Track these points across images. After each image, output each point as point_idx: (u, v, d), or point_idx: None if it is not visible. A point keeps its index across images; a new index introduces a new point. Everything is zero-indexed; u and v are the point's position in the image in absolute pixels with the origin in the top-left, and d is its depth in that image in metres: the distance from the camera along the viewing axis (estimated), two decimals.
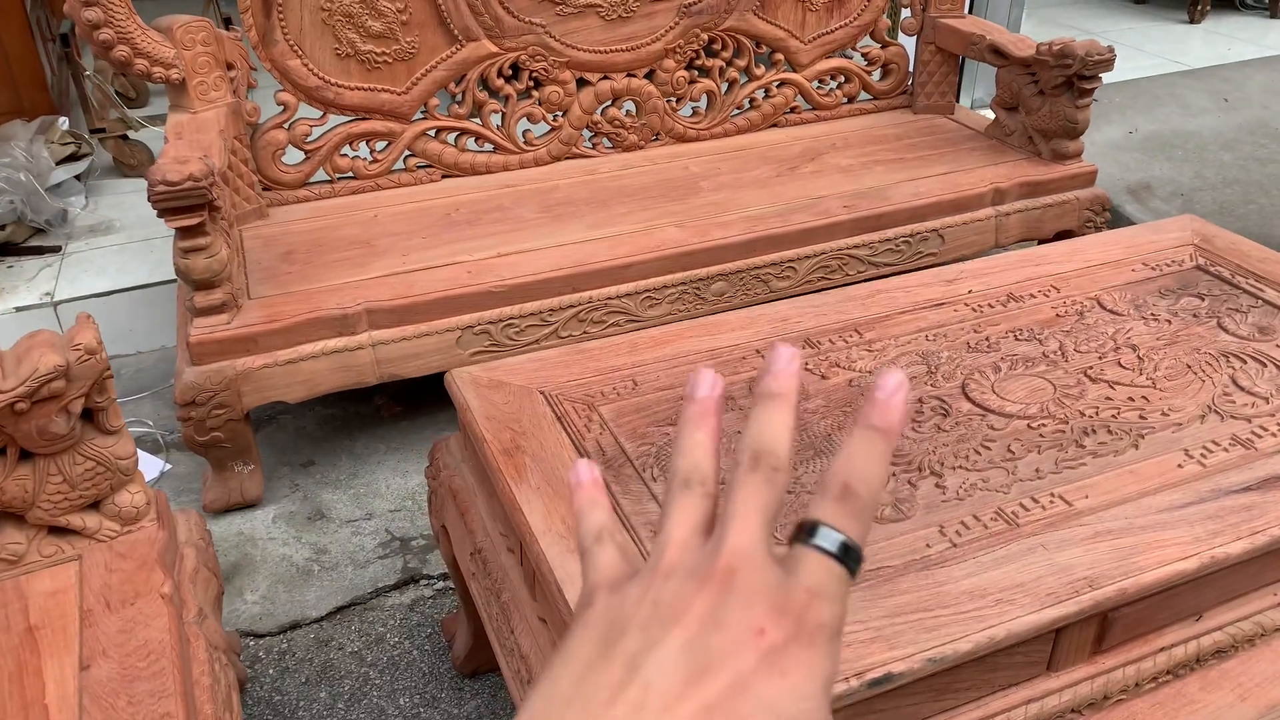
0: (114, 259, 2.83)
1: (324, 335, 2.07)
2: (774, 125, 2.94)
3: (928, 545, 1.21)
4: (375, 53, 2.45)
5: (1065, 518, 1.25)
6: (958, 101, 3.13)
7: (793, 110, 2.96)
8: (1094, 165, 2.71)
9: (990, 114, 2.92)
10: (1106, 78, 4.12)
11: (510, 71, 2.60)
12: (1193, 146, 3.68)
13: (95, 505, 1.44)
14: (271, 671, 1.83)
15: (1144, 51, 4.60)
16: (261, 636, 1.90)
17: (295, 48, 2.37)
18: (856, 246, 2.46)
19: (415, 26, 2.46)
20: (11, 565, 1.40)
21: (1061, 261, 1.87)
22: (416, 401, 2.51)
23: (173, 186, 1.83)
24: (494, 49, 2.55)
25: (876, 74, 3.04)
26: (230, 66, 2.31)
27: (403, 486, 2.26)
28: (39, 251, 2.85)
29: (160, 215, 1.88)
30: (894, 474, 1.33)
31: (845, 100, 3.02)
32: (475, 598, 1.47)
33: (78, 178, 3.09)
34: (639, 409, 1.46)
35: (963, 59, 3.09)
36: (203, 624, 1.45)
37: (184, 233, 1.90)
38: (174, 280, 2.55)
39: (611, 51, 2.66)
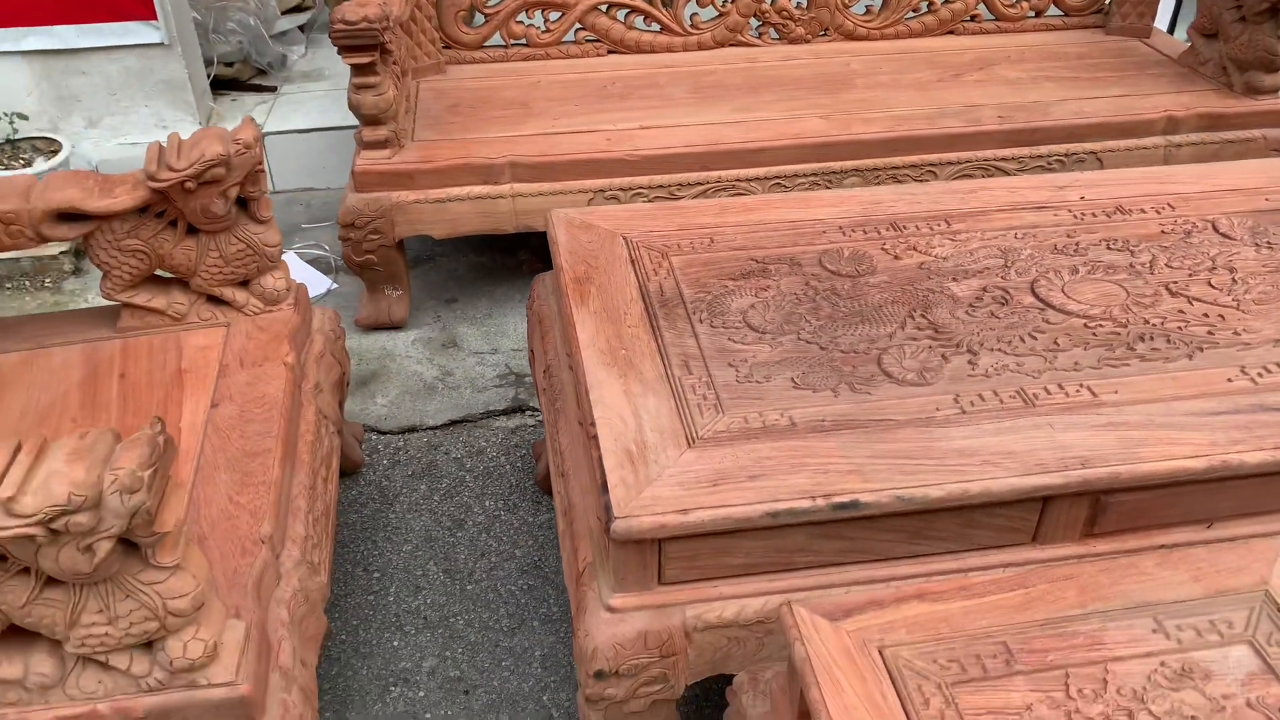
0: (319, 103, 3.15)
1: (471, 181, 2.27)
2: (950, 32, 2.88)
3: (937, 409, 1.28)
4: None
5: (1084, 406, 1.28)
6: (1167, 29, 2.93)
7: (973, 18, 2.88)
8: None
9: (1188, 41, 2.74)
10: None
11: None
12: None
13: (245, 285, 1.72)
14: (385, 462, 2.10)
15: None
16: (383, 433, 2.17)
17: None
18: (1004, 159, 2.41)
19: None
20: (175, 321, 1.70)
21: (1189, 183, 1.80)
22: None
23: (350, 25, 2.05)
24: None
25: None
26: None
27: None
28: (258, 89, 3.21)
29: (338, 51, 2.11)
30: (929, 346, 1.39)
31: (1032, 14, 2.90)
32: (543, 410, 1.65)
33: (300, 28, 3.43)
34: (707, 262, 1.57)
35: None
36: (317, 395, 1.71)
37: (357, 70, 2.13)
38: None
39: None
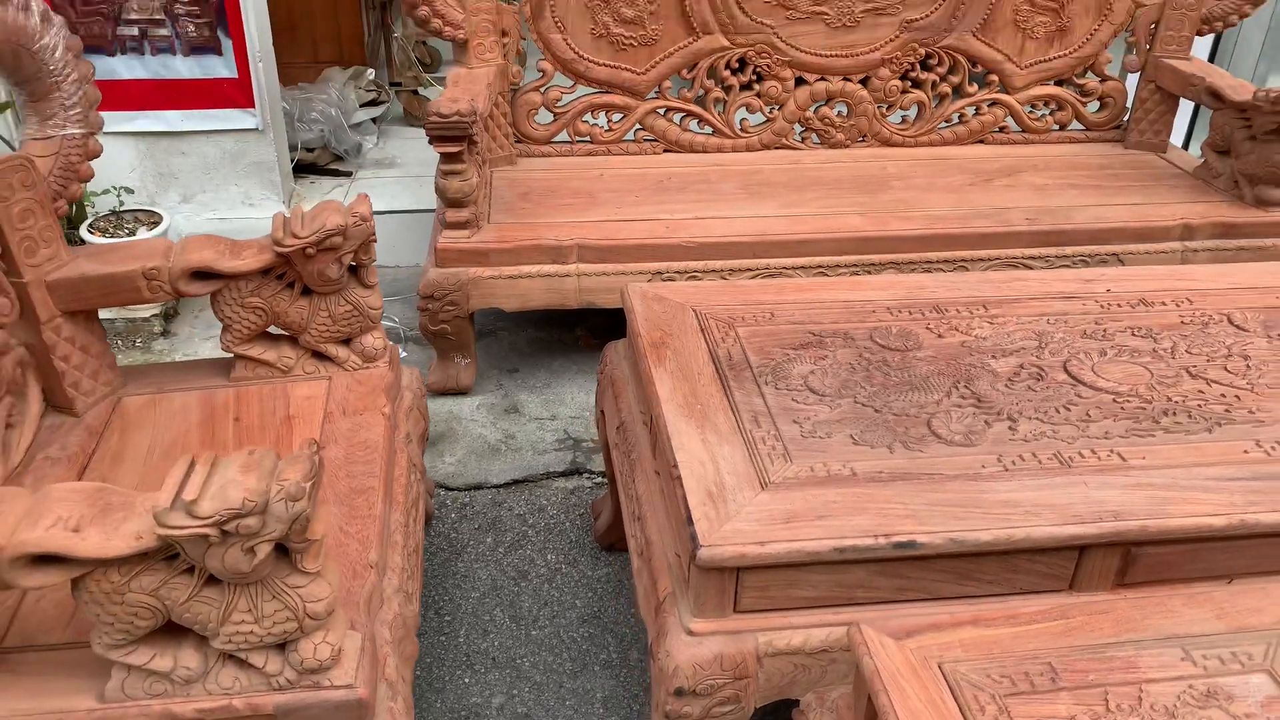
0: (390, 188, 3.39)
1: (540, 260, 2.48)
2: (980, 141, 3.11)
3: (983, 466, 1.43)
4: (624, 36, 2.84)
5: (1115, 469, 1.43)
6: (1182, 145, 3.16)
7: (1001, 129, 3.11)
8: None
9: (1201, 156, 2.95)
10: None
11: (737, 65, 2.93)
12: None
13: (347, 342, 1.91)
14: (453, 516, 2.24)
15: None
16: (451, 489, 2.32)
17: (559, 24, 2.80)
18: (1031, 258, 2.60)
19: (661, 17, 2.83)
20: (283, 374, 1.88)
21: (1206, 280, 1.97)
22: (609, 338, 2.87)
23: (444, 118, 2.28)
24: (726, 43, 2.89)
25: (1093, 105, 3.13)
26: (505, 34, 2.77)
27: (585, 401, 2.63)
28: (335, 174, 3.46)
29: (431, 141, 2.34)
30: (973, 413, 1.54)
31: (1056, 127, 3.14)
32: (614, 464, 1.80)
33: (374, 120, 3.71)
34: (770, 334, 1.75)
35: (1183, 102, 3.11)
36: (408, 445, 1.87)
37: (446, 158, 2.36)
38: (433, 210, 3.06)
39: (832, 56, 2.93)
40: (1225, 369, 1.68)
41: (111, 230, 2.76)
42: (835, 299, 1.87)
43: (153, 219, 2.86)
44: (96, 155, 1.79)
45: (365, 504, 1.59)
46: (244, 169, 3.09)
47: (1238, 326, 1.81)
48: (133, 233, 2.76)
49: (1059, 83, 3.09)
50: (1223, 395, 1.61)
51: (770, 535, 1.28)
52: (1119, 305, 1.88)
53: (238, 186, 3.11)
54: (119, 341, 2.78)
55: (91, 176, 1.79)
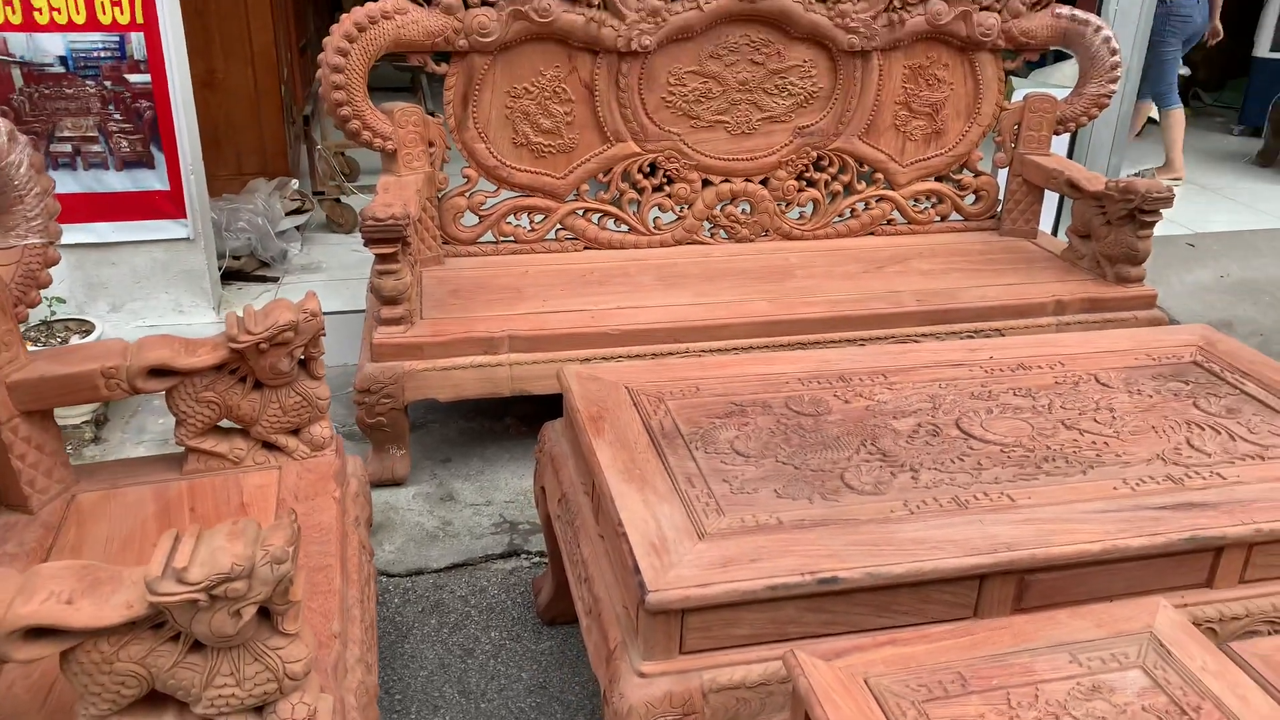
0: (318, 291, 3.49)
1: (473, 352, 2.62)
2: (871, 233, 3.40)
3: (892, 511, 1.61)
4: (543, 144, 3.06)
5: (1006, 508, 1.62)
6: (1050, 231, 3.50)
7: (889, 222, 3.41)
8: (1154, 289, 3.03)
9: (1067, 241, 3.29)
10: (1208, 227, 4.42)
11: (648, 168, 3.18)
12: None
13: (296, 432, 2.00)
14: (396, 600, 2.31)
15: (1255, 209, 4.83)
16: (393, 576, 2.39)
17: (482, 134, 3.01)
18: (922, 335, 2.86)
19: (577, 127, 3.07)
20: (234, 465, 1.96)
21: (1075, 346, 2.23)
22: (538, 424, 3.00)
23: (379, 222, 2.44)
24: (637, 149, 3.13)
25: (969, 198, 3.47)
26: (431, 144, 2.96)
27: (518, 486, 2.74)
28: (262, 280, 3.56)
29: (367, 244, 2.49)
30: (880, 466, 1.73)
31: (938, 218, 3.46)
32: (557, 535, 1.93)
33: (298, 228, 3.83)
34: (696, 405, 1.92)
35: (1048, 192, 3.47)
36: (357, 527, 1.96)
37: (381, 258, 2.50)
38: (360, 311, 3.19)
39: (734, 160, 3.20)
40: (1095, 420, 1.91)
41: (44, 339, 2.80)
42: (753, 373, 2.06)
43: (84, 327, 2.91)
44: (55, 263, 1.88)
45: (325, 580, 1.68)
46: (174, 277, 3.17)
47: (1103, 384, 2.06)
48: (65, 341, 2.81)
49: (939, 179, 3.42)
50: (1093, 443, 1.83)
51: (710, 578, 1.42)
52: (1001, 370, 2.11)
53: (168, 294, 3.18)
54: None
55: (50, 283, 1.88)
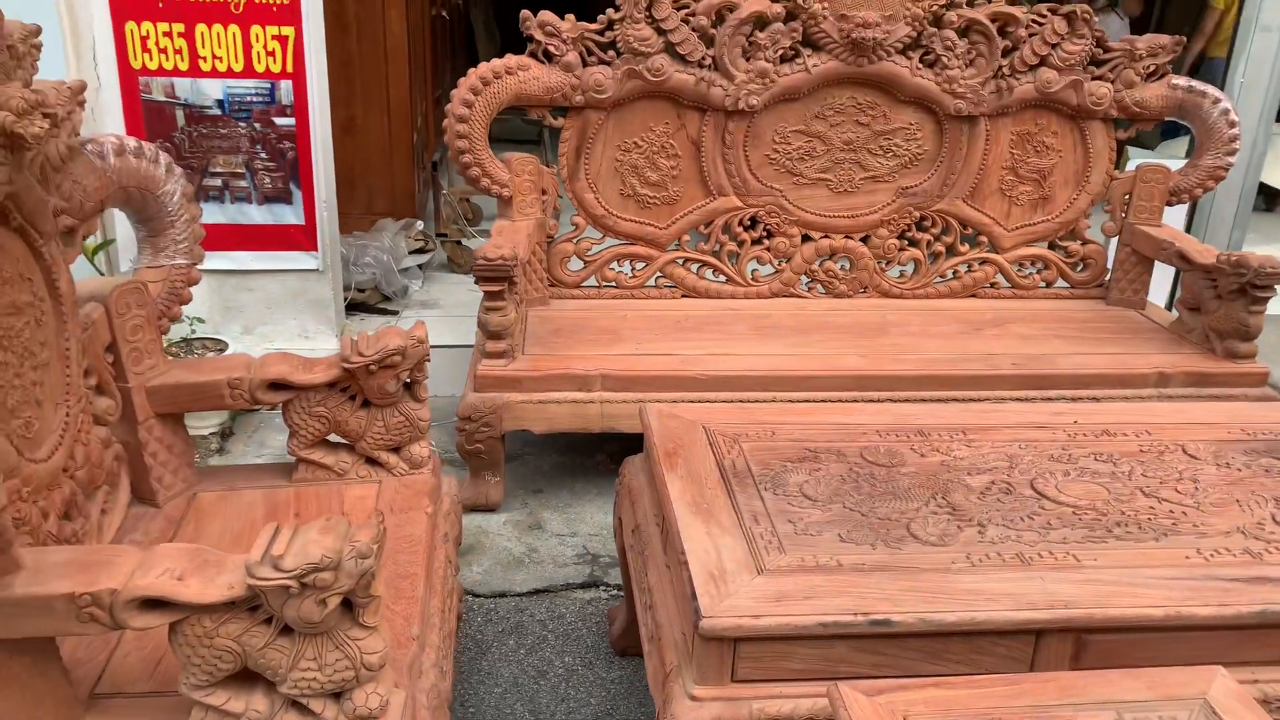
0: (433, 325, 3.67)
1: (568, 388, 2.74)
2: (972, 295, 3.40)
3: (952, 562, 1.63)
4: (649, 196, 3.20)
5: (1070, 567, 1.63)
6: (1166, 305, 3.42)
7: (992, 285, 3.41)
8: (1266, 367, 2.94)
9: (1177, 314, 3.22)
10: None
11: (749, 222, 3.27)
12: None
13: (397, 450, 2.15)
14: (479, 619, 2.43)
15: None
16: (478, 596, 2.51)
17: (592, 185, 3.17)
18: (1016, 399, 2.84)
19: (682, 180, 3.20)
20: (339, 477, 2.12)
21: (1166, 416, 2.20)
22: None
23: (489, 262, 2.60)
24: (739, 204, 3.24)
25: (1076, 265, 3.43)
26: (544, 192, 3.13)
27: (603, 521, 2.84)
28: (383, 312, 3.79)
29: (477, 281, 2.65)
30: (948, 519, 1.75)
31: (1043, 284, 3.43)
32: (629, 564, 2.01)
33: (420, 266, 4.07)
34: (770, 449, 1.98)
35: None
36: (445, 543, 2.09)
37: (489, 295, 2.66)
38: (470, 346, 3.36)
39: (834, 217, 3.27)
40: (1176, 490, 1.89)
41: (182, 354, 3.06)
42: (830, 421, 2.11)
43: (219, 346, 3.17)
44: (197, 282, 2.10)
45: (409, 587, 1.80)
46: (302, 305, 3.42)
47: (1190, 455, 2.03)
48: (201, 356, 3.06)
49: (1046, 245, 3.40)
50: (1170, 511, 1.81)
51: (763, 610, 1.48)
52: (1085, 435, 2.10)
53: (295, 320, 3.43)
54: None
55: (190, 300, 2.09)
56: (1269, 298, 2.87)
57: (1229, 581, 1.61)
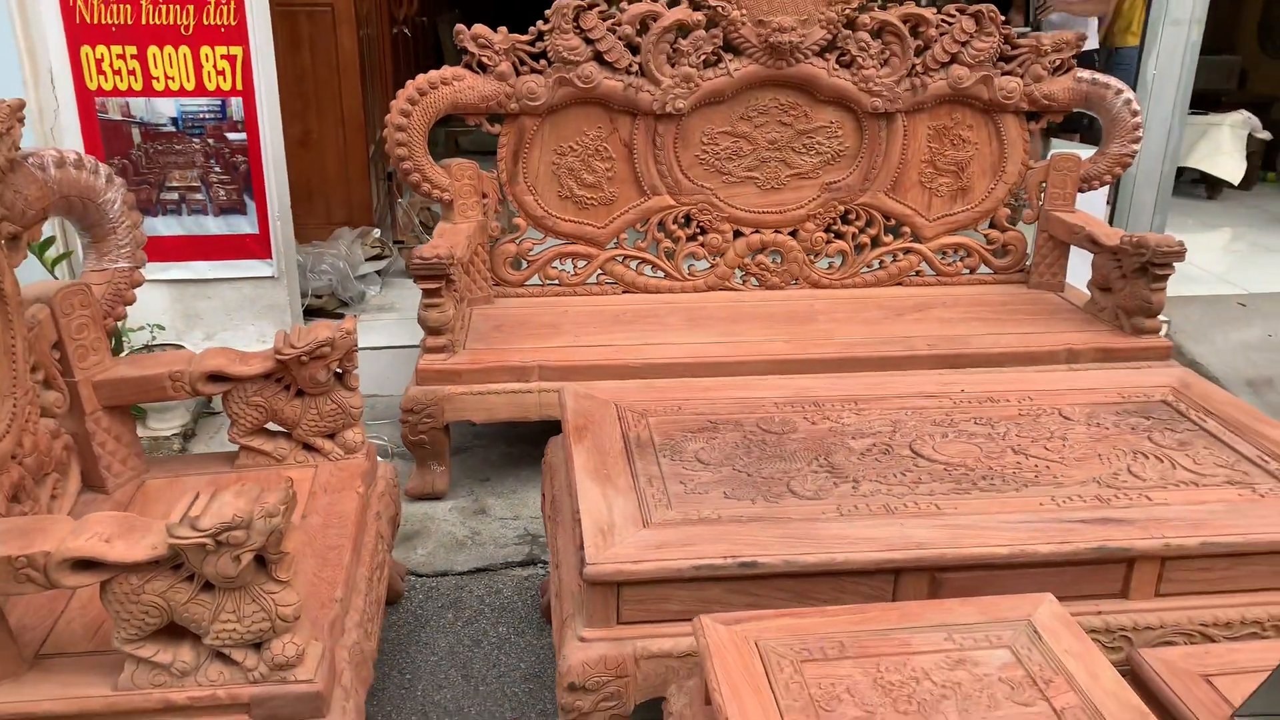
0: (389, 328, 3.86)
1: (506, 379, 2.89)
2: (899, 284, 3.56)
3: (823, 513, 1.79)
4: (586, 197, 3.36)
5: (931, 515, 1.79)
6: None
7: (917, 273, 3.57)
8: (1169, 341, 3.11)
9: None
10: (1257, 285, 4.41)
11: (683, 219, 3.43)
12: None
13: (332, 436, 2.30)
14: (420, 596, 2.57)
15: None
16: (420, 576, 2.66)
17: (531, 188, 3.33)
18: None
19: (617, 182, 3.36)
20: (278, 462, 2.27)
21: (1048, 383, 2.37)
22: None
23: (425, 260, 2.76)
24: (672, 203, 3.40)
25: (997, 252, 3.60)
26: (484, 195, 3.29)
27: None
28: (339, 317, 3.94)
29: (415, 280, 2.81)
30: (826, 477, 1.91)
31: (966, 271, 3.60)
32: (546, 530, 2.16)
33: (378, 273, 4.22)
34: (675, 422, 2.14)
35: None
36: (378, 520, 2.24)
37: (427, 293, 2.82)
38: None
39: (763, 213, 3.44)
40: (1045, 447, 2.05)
41: None
42: (734, 396, 2.27)
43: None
44: (139, 285, 2.25)
45: (336, 557, 1.95)
46: (260, 311, 3.57)
47: (1065, 417, 2.19)
48: (145, 354, 3.21)
49: (966, 232, 3.57)
50: (1035, 466, 1.97)
51: (644, 556, 1.64)
52: (969, 401, 2.26)
53: (254, 326, 3.58)
54: None
55: (134, 301, 2.24)
56: (1168, 275, 3.04)
57: (1074, 523, 1.77)
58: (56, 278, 2.94)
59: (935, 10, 3.29)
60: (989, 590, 1.71)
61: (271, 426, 2.27)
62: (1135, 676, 1.60)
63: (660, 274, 3.48)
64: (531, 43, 3.16)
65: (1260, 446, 2.06)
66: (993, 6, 3.31)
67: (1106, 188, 4.05)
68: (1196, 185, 6.35)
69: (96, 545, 1.50)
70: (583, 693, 1.64)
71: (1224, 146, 5.95)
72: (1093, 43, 5.00)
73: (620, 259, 3.45)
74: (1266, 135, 6.28)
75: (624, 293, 3.47)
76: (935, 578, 1.70)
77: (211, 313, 3.54)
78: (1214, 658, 1.61)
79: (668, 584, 1.65)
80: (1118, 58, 5.18)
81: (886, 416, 2.18)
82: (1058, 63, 3.36)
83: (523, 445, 3.33)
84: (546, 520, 2.21)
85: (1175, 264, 3.02)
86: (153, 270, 3.33)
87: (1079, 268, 3.51)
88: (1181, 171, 6.39)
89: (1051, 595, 1.55)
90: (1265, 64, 7.65)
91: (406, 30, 5.78)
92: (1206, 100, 6.71)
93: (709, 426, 2.12)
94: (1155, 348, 3.09)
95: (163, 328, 3.40)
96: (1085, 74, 3.40)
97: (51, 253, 3.02)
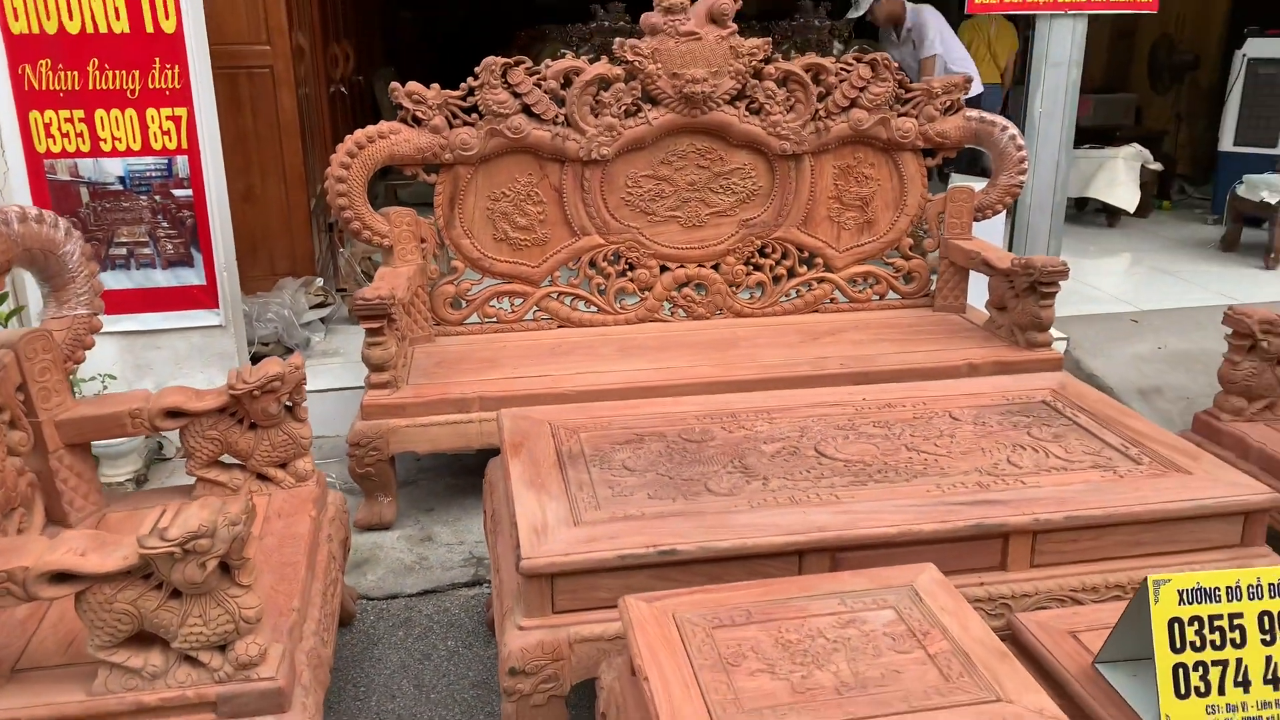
0: (334, 371, 4.01)
1: (448, 411, 3.07)
2: (814, 311, 3.82)
3: (736, 506, 2.00)
4: (520, 239, 3.57)
5: (831, 504, 2.00)
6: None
7: (831, 301, 3.84)
8: (1059, 353, 3.39)
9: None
10: (1149, 303, 4.76)
11: (612, 257, 3.66)
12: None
13: (284, 466, 2.46)
14: (371, 617, 2.71)
15: (1206, 289, 5.15)
16: (371, 599, 2.80)
17: (467, 232, 3.54)
18: None
19: (549, 224, 3.58)
20: (233, 492, 2.42)
21: (940, 391, 2.61)
22: None
23: (367, 301, 2.94)
24: (602, 241, 3.63)
25: (904, 278, 3.88)
26: (422, 240, 3.49)
27: None
28: None
29: (358, 320, 2.98)
30: (740, 477, 2.12)
31: (876, 297, 3.87)
32: (487, 540, 2.33)
33: (322, 320, 4.38)
34: (604, 436, 2.33)
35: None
36: (329, 542, 2.39)
37: (370, 332, 2.99)
38: None
39: (687, 249, 3.68)
40: (935, 444, 2.28)
41: None
42: (660, 412, 2.47)
43: None
44: (98, 330, 2.40)
45: (292, 572, 2.10)
46: (209, 359, 3.70)
47: (954, 418, 2.43)
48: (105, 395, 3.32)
49: (874, 262, 3.85)
50: (925, 459, 2.20)
51: (574, 550, 1.82)
52: (870, 409, 2.50)
53: (203, 374, 3.71)
54: None
55: (93, 345, 2.39)
56: (1054, 292, 3.33)
57: (956, 505, 2.00)
58: None
59: (834, 60, 3.59)
60: (883, 566, 1.93)
61: (226, 459, 2.42)
62: (1014, 637, 1.82)
63: (593, 308, 3.69)
64: (463, 98, 3.38)
65: (1124, 436, 2.32)
66: (887, 55, 3.62)
67: (1006, 217, 4.39)
68: (1098, 214, 6.78)
69: (72, 559, 1.65)
70: (523, 676, 1.81)
71: (1119, 177, 6.37)
72: (977, 87, 5.39)
73: (555, 296, 3.66)
74: (1158, 166, 6.74)
75: (559, 327, 3.67)
76: (834, 557, 1.91)
77: (161, 362, 3.66)
78: (1080, 618, 1.85)
79: (596, 574, 1.84)
80: (987, 93, 5.61)
81: (795, 424, 2.40)
82: (948, 103, 3.67)
83: (466, 477, 3.49)
84: (488, 534, 2.38)
85: (1063, 283, 3.31)
86: (104, 322, 3.46)
87: (981, 290, 3.80)
88: (1085, 202, 6.88)
89: (932, 565, 1.77)
90: (1157, 101, 8.20)
91: (344, 89, 5.99)
92: (1107, 135, 7.20)
93: (635, 439, 2.32)
94: (1048, 359, 3.37)
95: (114, 377, 3.52)
96: (974, 113, 3.71)
97: (5, 307, 3.14)
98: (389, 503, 3.16)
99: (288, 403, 2.41)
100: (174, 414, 2.33)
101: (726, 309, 3.77)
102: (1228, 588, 1.61)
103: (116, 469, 3.38)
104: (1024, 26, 5.90)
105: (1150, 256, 5.94)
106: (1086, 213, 6.95)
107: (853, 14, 5.69)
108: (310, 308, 4.31)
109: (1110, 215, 6.66)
